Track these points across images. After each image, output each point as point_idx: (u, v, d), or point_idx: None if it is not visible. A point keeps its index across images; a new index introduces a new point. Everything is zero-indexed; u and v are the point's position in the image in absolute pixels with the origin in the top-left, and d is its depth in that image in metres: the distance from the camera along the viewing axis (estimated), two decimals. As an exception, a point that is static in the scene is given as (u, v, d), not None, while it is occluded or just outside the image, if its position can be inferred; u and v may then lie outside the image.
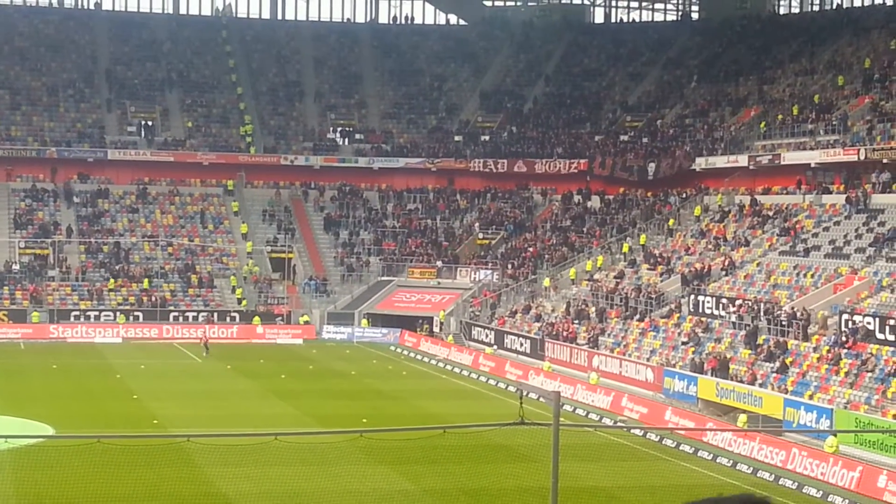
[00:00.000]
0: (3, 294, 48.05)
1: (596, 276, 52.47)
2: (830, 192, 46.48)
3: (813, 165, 47.57)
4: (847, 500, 22.79)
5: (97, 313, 49.29)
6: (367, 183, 63.41)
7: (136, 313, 49.33)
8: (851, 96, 49.40)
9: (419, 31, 71.61)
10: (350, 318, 56.43)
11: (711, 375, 37.80)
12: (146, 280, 50.72)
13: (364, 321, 55.39)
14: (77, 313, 48.89)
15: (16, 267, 49.01)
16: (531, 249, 56.65)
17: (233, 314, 51.61)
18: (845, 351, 33.44)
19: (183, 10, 66.89)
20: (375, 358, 49.86)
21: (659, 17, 78.02)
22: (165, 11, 68.92)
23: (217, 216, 59.40)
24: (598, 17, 76.38)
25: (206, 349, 45.34)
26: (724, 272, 46.55)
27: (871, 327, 33.52)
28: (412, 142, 64.30)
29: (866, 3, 59.64)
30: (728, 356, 39.05)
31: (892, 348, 32.06)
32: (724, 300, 43.18)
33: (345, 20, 72.05)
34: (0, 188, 53.40)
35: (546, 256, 55.98)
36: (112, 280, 51.79)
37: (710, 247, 50.04)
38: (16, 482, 25.19)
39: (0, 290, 48.24)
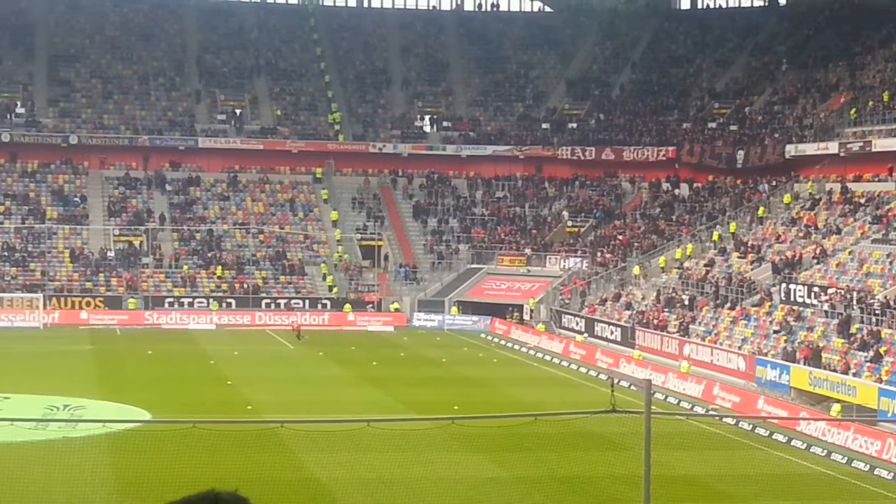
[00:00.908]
0: (99, 281, 48.15)
1: (686, 265, 51.01)
2: (923, 180, 44.19)
3: (905, 153, 45.00)
4: (943, 490, 22.59)
5: (190, 300, 49.12)
6: (455, 170, 62.78)
7: (228, 300, 48.97)
8: (944, 82, 46.52)
9: (505, 19, 70.60)
10: (440, 305, 55.65)
11: (804, 364, 36.59)
12: (220, 268, 50.50)
13: (454, 308, 54.45)
14: (171, 300, 48.91)
15: (110, 254, 49.16)
16: (620, 237, 55.39)
17: (324, 301, 50.71)
18: (941, 340, 31.11)
19: (270, -1, 66.82)
20: (466, 345, 48.99)
21: (746, 2, 75.19)
22: (253, 0, 68.40)
23: (307, 204, 58.98)
24: (685, 3, 73.57)
25: (299, 336, 44.42)
26: (815, 260, 45.08)
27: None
28: (499, 129, 63.38)
29: (959, -13, 55.09)
30: (821, 345, 37.80)
31: None
32: (815, 289, 42.04)
33: (430, 7, 71.94)
34: (94, 176, 53.53)
35: (635, 244, 54.48)
36: (205, 268, 51.30)
37: (800, 235, 48.51)
38: (113, 466, 24.99)
39: (96, 277, 48.17)
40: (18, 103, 56.09)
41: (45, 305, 45.95)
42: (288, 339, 46.74)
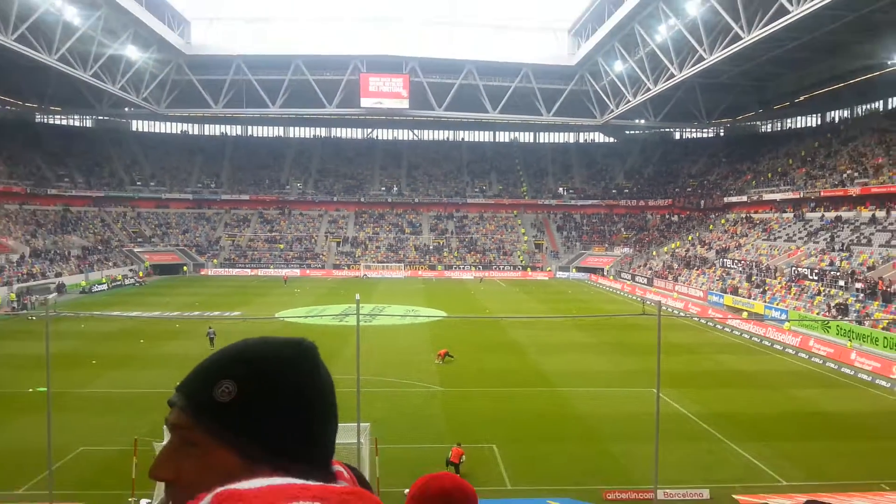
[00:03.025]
0: (426, 259, 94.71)
1: (676, 251, 71.89)
2: None
3: None
4: None
5: (463, 268, 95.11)
6: (574, 211, 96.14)
7: (480, 266, 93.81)
8: None
9: (593, 145, 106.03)
10: (568, 269, 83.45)
11: (730, 294, 53.56)
12: (476, 254, 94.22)
13: (573, 269, 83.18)
14: (462, 267, 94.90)
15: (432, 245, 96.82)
16: (646, 239, 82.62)
17: (519, 266, 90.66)
18: None
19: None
20: (580, 286, 75.13)
21: (701, 135, 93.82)
22: (489, 141, 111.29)
23: (512, 225, 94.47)
24: (678, 135, 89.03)
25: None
26: (735, 248, 64.26)
27: None
28: (593, 192, 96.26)
29: None
30: (737, 287, 54.07)
31: None
32: (734, 261, 59.57)
33: (565, 141, 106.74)
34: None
35: (653, 242, 79.70)
36: (468, 252, 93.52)
37: (728, 237, 68.14)
38: (430, 334, 43.42)
39: (426, 257, 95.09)
40: (396, 187, 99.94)
41: (404, 267, 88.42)
42: (486, 283, 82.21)
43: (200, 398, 1.25)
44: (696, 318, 47.93)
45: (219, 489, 1.00)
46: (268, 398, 1.25)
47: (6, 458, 20.79)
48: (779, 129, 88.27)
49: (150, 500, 16.91)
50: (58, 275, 66.79)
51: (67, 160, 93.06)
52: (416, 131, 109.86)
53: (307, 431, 1.28)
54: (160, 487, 16.89)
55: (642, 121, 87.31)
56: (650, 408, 22.55)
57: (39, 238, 74.44)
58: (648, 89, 70.05)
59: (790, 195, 65.86)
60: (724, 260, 60.86)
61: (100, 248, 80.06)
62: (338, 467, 1.35)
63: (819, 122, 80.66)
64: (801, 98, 76.73)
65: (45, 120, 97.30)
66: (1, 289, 57.55)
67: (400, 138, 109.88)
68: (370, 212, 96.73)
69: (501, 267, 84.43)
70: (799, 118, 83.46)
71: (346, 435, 16.96)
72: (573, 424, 24.78)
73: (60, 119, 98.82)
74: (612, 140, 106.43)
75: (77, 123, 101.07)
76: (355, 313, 18.41)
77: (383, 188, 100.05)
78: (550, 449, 22.17)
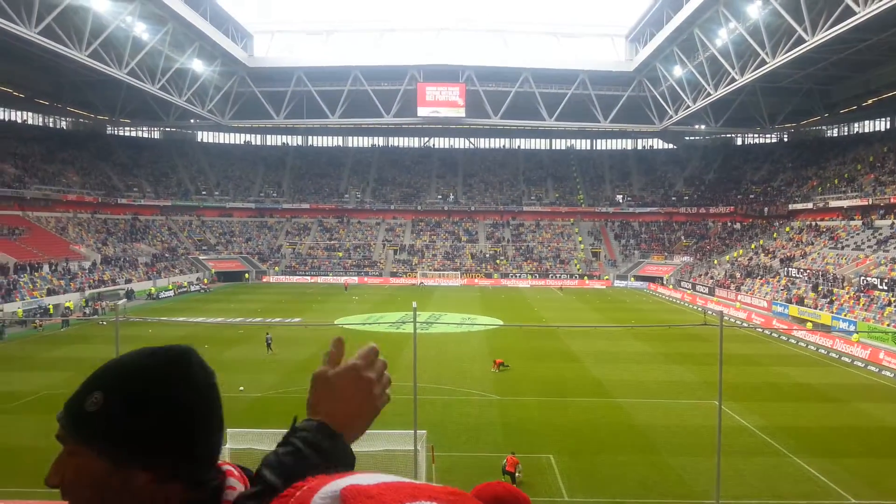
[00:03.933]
0: (483, 268, 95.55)
1: (738, 259, 71.42)
2: None
3: None
4: None
5: (524, 276, 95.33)
6: (631, 219, 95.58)
7: (535, 274, 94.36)
8: None
9: (651, 152, 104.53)
10: (626, 277, 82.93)
11: (794, 304, 52.42)
12: (533, 263, 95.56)
13: (632, 278, 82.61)
14: (518, 274, 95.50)
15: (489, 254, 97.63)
16: (707, 248, 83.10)
17: (575, 275, 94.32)
18: None
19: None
20: (637, 295, 74.88)
21: (763, 140, 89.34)
22: (545, 149, 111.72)
23: (569, 233, 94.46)
24: (739, 141, 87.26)
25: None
26: (800, 257, 63.32)
27: None
28: (651, 199, 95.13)
29: None
30: (802, 296, 52.94)
31: None
32: (800, 269, 58.68)
33: (623, 148, 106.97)
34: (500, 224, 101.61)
35: (714, 251, 79.40)
36: (524, 260, 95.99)
37: (793, 246, 67.78)
38: (486, 343, 43.56)
39: (482, 265, 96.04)
40: (452, 196, 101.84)
41: (460, 275, 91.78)
42: (558, 291, 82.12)
43: (75, 411, 1.33)
44: (759, 329, 47.23)
45: (343, 484, 1.02)
46: (133, 405, 1.32)
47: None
48: (845, 133, 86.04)
49: None
50: (127, 281, 69.00)
51: (136, 171, 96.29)
52: (472, 139, 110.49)
53: (182, 433, 1.33)
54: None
55: (703, 126, 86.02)
56: (711, 420, 22.24)
57: (110, 246, 77.10)
58: (709, 94, 69.04)
59: (858, 202, 64.96)
60: (789, 269, 60.00)
61: (167, 255, 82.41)
62: (227, 466, 1.41)
63: (888, 127, 78.90)
64: (869, 101, 75.22)
65: (116, 132, 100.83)
66: (74, 294, 59.67)
67: (456, 146, 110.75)
68: (427, 220, 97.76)
69: (558, 275, 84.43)
70: (867, 122, 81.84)
71: (403, 442, 17.06)
72: (631, 435, 24.51)
73: (130, 131, 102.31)
74: (671, 146, 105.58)
75: (145, 135, 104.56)
76: (412, 321, 18.50)
77: (440, 196, 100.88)
78: (608, 460, 21.97)
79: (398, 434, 17.75)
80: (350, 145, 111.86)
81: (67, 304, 56.87)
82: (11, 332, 46.72)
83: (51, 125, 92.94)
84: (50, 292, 57.47)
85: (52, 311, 53.96)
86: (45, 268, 61.58)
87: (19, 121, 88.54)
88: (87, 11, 54.39)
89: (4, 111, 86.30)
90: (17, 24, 48.09)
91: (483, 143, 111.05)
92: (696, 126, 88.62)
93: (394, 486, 0.98)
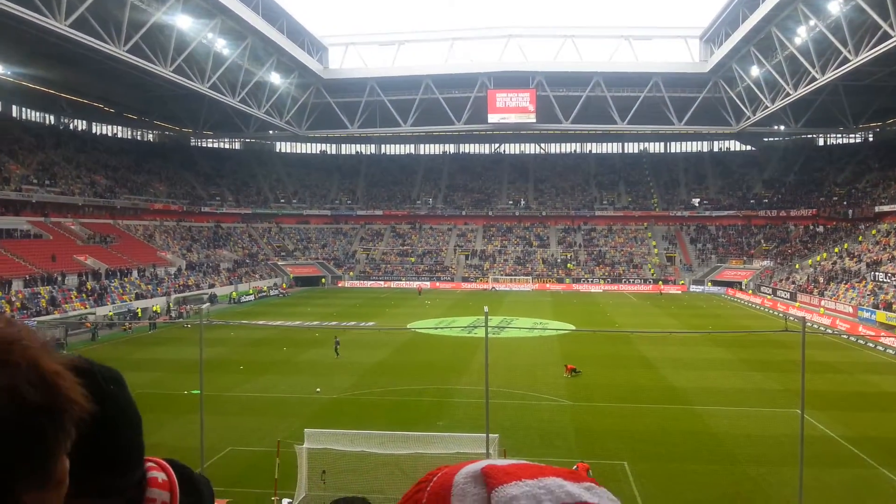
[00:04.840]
0: (555, 273, 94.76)
1: (821, 263, 68.59)
2: None
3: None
4: None
5: (593, 280, 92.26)
6: (708, 223, 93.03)
7: (608, 279, 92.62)
8: None
9: (730, 154, 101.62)
10: (702, 282, 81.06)
11: (882, 309, 49.91)
12: (605, 267, 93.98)
13: (709, 283, 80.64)
14: (590, 279, 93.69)
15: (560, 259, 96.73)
16: (788, 252, 79.78)
17: (649, 280, 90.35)
18: None
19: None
20: (714, 300, 73.50)
21: (845, 140, 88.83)
22: (617, 153, 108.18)
23: (642, 238, 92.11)
24: (821, 141, 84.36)
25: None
26: (889, 261, 59.78)
27: None
28: (728, 203, 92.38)
29: None
30: (891, 301, 51.03)
31: None
32: (889, 274, 56.35)
33: (698, 151, 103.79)
34: (552, 230, 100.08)
35: (795, 254, 76.36)
36: (595, 265, 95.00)
37: (880, 249, 63.95)
38: (560, 347, 43.26)
39: (554, 271, 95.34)
40: (523, 201, 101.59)
41: (532, 280, 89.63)
42: (634, 297, 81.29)
43: None
44: (844, 336, 45.77)
45: (483, 464, 1.07)
46: None
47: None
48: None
49: (290, 500, 17.66)
50: (210, 286, 71.46)
51: (218, 180, 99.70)
52: (542, 145, 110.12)
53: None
54: (301, 487, 17.74)
55: (782, 127, 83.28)
56: (792, 429, 21.50)
57: (194, 252, 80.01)
58: (788, 94, 66.84)
59: (950, 203, 62.34)
60: (876, 273, 58.16)
61: (247, 261, 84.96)
62: (150, 463, 1.38)
63: (983, 124, 74.15)
64: (962, 98, 70.94)
65: (199, 143, 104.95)
66: (160, 299, 62.10)
67: (527, 152, 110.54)
68: (498, 225, 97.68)
69: (631, 280, 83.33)
70: (960, 120, 77.61)
71: (475, 445, 17.08)
72: (708, 443, 23.90)
73: (212, 142, 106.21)
74: (749, 148, 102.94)
75: (227, 146, 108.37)
76: (484, 325, 18.52)
77: (511, 202, 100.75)
78: (684, 468, 21.48)
79: (470, 437, 17.81)
80: (422, 153, 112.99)
81: (155, 308, 59.13)
82: (103, 335, 48.84)
83: (139, 138, 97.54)
84: (138, 297, 59.94)
85: (140, 314, 56.19)
86: (134, 273, 64.27)
87: (110, 134, 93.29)
88: (171, 29, 56.65)
89: (97, 126, 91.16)
90: (108, 43, 50.45)
91: (554, 147, 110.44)
92: (776, 127, 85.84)
93: (523, 466, 1.06)
